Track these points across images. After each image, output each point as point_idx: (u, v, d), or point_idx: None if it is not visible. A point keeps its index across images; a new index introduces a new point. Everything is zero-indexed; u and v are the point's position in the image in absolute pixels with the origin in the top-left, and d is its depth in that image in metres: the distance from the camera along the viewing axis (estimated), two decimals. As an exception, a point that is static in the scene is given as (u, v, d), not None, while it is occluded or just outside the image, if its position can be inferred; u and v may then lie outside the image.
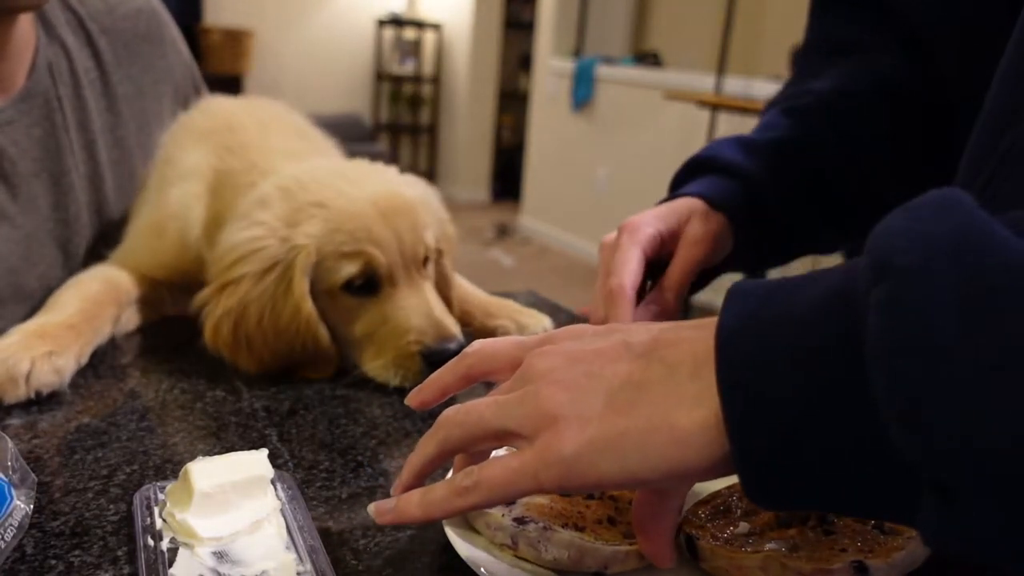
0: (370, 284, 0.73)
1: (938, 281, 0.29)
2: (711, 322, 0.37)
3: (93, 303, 0.76)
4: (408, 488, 0.46)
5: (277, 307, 0.71)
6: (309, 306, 0.71)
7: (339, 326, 0.74)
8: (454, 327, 0.74)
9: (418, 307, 0.73)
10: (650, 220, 0.65)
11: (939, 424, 0.28)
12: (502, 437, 0.41)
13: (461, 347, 0.73)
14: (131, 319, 0.83)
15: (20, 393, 0.64)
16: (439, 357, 0.70)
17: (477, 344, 0.48)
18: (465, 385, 0.48)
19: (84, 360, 0.72)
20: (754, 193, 0.67)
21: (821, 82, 0.72)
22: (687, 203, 0.67)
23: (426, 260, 0.77)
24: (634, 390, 0.38)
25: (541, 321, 0.84)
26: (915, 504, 0.31)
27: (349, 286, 0.72)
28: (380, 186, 0.76)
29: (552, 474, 0.38)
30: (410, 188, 0.79)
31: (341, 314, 0.74)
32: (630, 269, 0.62)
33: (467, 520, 0.47)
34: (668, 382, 0.37)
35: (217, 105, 0.91)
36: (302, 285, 0.70)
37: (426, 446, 0.45)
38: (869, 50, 0.71)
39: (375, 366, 0.73)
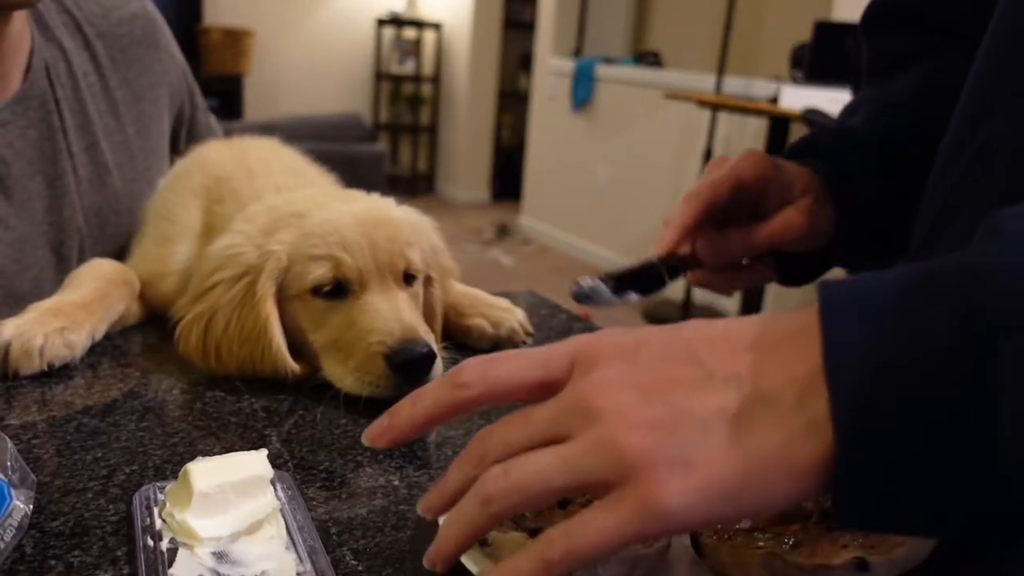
0: (340, 289, 0.71)
1: None
2: (801, 332, 0.35)
3: (107, 282, 0.79)
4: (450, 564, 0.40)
5: (243, 314, 0.70)
6: (268, 308, 0.70)
7: (308, 333, 0.72)
8: (425, 333, 0.70)
9: (386, 310, 0.70)
10: (767, 158, 0.64)
11: None
12: (575, 493, 0.38)
13: (430, 352, 0.68)
14: (136, 311, 0.83)
15: (35, 366, 0.68)
16: (403, 358, 0.67)
17: (475, 365, 0.41)
18: (455, 415, 0.42)
19: (99, 336, 0.76)
20: (864, 186, 0.66)
21: (900, 84, 0.71)
22: (807, 172, 0.66)
23: (410, 278, 0.74)
24: (733, 425, 0.35)
25: (515, 314, 0.84)
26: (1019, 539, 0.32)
27: (319, 291, 0.71)
28: (367, 204, 0.76)
29: (660, 526, 0.34)
30: (399, 210, 0.78)
31: (310, 320, 0.72)
32: (716, 185, 0.62)
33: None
34: (771, 414, 0.35)
35: (209, 155, 0.90)
36: (265, 288, 0.70)
37: (469, 525, 0.39)
38: (935, 56, 0.70)
39: (335, 372, 0.70)
